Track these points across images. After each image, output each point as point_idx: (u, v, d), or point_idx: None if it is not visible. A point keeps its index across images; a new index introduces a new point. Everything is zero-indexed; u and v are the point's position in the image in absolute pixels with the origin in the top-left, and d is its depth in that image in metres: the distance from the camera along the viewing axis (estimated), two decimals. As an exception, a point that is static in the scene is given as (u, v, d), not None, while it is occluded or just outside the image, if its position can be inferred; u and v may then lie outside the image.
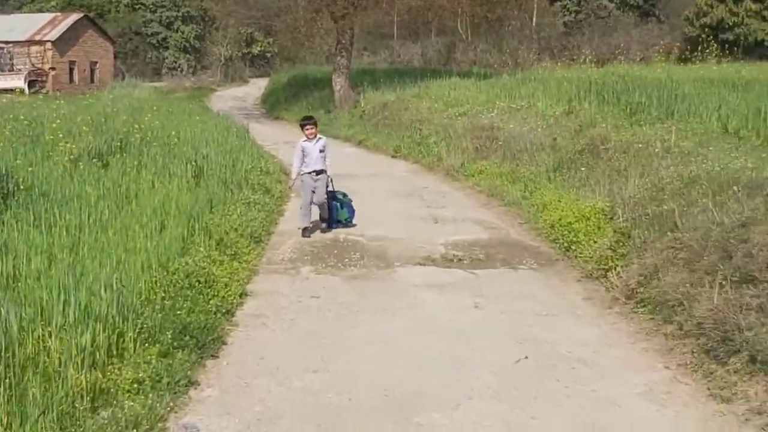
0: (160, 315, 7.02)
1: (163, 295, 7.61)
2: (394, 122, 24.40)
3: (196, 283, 8.10)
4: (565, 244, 10.81)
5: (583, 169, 14.52)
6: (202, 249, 9.42)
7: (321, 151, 11.98)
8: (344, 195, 12.62)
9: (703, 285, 7.39)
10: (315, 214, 12.42)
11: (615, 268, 9.06)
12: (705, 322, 6.79)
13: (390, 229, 12.31)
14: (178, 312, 7.20)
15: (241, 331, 7.57)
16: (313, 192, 11.97)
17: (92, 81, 55.68)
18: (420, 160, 19.95)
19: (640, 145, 14.26)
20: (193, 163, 14.95)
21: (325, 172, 12.09)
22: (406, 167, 19.71)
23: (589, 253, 10.00)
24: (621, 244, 9.39)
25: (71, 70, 54.39)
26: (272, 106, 39.99)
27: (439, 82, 27.87)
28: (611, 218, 10.78)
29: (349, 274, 9.78)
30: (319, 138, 12.11)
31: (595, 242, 10.21)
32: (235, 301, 8.26)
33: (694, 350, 6.77)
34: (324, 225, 12.41)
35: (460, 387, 6.30)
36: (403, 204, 14.75)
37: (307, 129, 11.99)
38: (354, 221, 12.52)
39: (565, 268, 10.10)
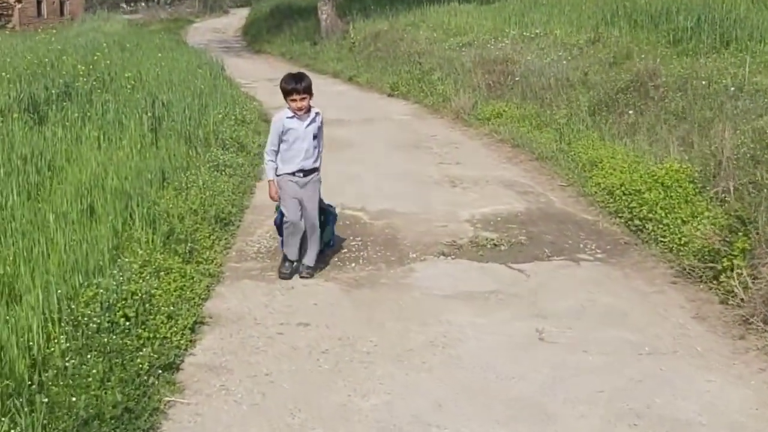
0: (45, 400, 4.26)
1: (63, 348, 4.86)
2: (388, 55, 21.47)
3: (122, 320, 5.33)
4: (637, 222, 8.05)
5: (630, 112, 11.75)
6: (141, 251, 6.63)
7: (315, 137, 7.08)
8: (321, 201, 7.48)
9: None
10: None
11: (732, 270, 6.30)
12: None
13: (397, 199, 9.52)
14: (80, 388, 4.45)
15: (186, 405, 4.80)
16: (301, 205, 7.05)
17: (62, 14, 52.03)
18: (422, 100, 17.05)
19: (704, 82, 11.47)
20: (150, 114, 12.06)
21: (318, 171, 7.22)
22: (407, 109, 16.82)
23: (679, 239, 7.25)
24: (739, 232, 6.60)
25: (39, 3, 50.56)
26: (253, 38, 36.77)
27: (437, 8, 24.82)
28: (702, 187, 8.01)
29: (350, 278, 7.02)
30: (316, 114, 7.08)
31: (685, 223, 7.46)
32: (182, 341, 5.50)
33: None
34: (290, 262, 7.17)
35: None
36: (408, 160, 11.91)
37: (295, 99, 6.88)
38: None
39: (646, 260, 7.35)
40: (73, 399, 4.27)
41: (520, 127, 12.98)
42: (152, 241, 6.95)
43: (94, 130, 11.34)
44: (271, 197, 7.14)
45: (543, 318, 6.04)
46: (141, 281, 5.93)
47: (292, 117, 6.93)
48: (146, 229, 7.10)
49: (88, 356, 4.78)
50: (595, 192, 9.26)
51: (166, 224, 7.35)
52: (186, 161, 10.18)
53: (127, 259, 6.34)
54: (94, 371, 4.60)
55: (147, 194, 7.98)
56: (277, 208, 7.27)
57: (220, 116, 13.12)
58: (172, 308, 5.72)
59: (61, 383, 4.52)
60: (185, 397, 4.87)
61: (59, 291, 5.47)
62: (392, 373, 5.16)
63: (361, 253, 7.67)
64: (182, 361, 5.33)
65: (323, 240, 7.41)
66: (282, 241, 7.20)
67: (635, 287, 6.70)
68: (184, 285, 6.32)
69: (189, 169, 9.81)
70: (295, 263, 7.10)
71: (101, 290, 5.51)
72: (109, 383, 4.58)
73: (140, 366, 4.91)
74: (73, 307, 5.34)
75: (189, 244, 7.23)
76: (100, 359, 4.80)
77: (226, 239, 7.98)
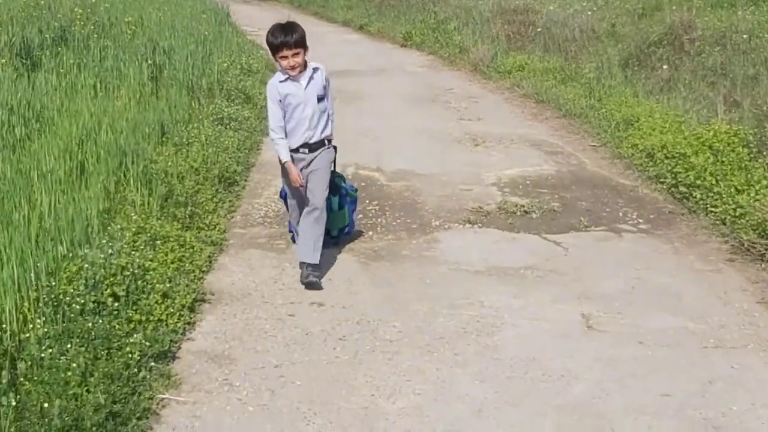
0: (14, 403, 3.57)
1: (40, 333, 4.16)
2: (401, 3, 20.57)
3: (110, 300, 4.62)
4: (682, 189, 7.31)
5: (665, 67, 10.95)
6: (135, 215, 5.92)
7: (320, 99, 5.64)
8: (343, 179, 6.30)
9: None
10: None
11: (801, 248, 5.59)
12: None
13: (415, 159, 8.79)
14: (57, 385, 3.76)
15: (183, 405, 4.09)
16: (306, 190, 5.71)
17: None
18: (437, 51, 16.25)
19: (744, 36, 10.68)
20: (150, 61, 11.26)
21: (329, 142, 5.78)
22: (421, 60, 16.02)
23: (734, 211, 6.52)
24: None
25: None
26: (260, -17, 35.64)
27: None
28: (758, 152, 7.26)
29: (368, 248, 6.30)
30: (314, 70, 5.64)
31: (739, 192, 6.73)
32: (179, 324, 4.79)
33: None
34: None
35: None
36: (425, 115, 11.16)
37: (286, 56, 5.48)
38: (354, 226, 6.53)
39: (696, 233, 6.63)
40: (45, 405, 3.56)
41: (544, 81, 12.19)
42: (148, 204, 6.24)
43: (90, 78, 10.57)
44: (294, 182, 5.61)
45: (588, 300, 5.33)
46: (134, 252, 5.22)
47: (285, 80, 5.53)
48: (141, 191, 6.38)
49: (68, 345, 4.08)
50: (632, 154, 8.52)
51: (164, 185, 6.63)
52: (188, 113, 9.46)
53: (118, 226, 5.63)
54: (75, 365, 3.90)
55: (144, 151, 7.24)
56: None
57: (224, 65, 12.34)
58: (168, 285, 5.00)
59: (36, 378, 3.83)
60: (181, 393, 4.17)
61: (39, 264, 4.77)
62: (420, 368, 4.46)
63: (379, 220, 6.96)
64: (179, 347, 4.64)
65: (336, 225, 6.16)
66: (291, 227, 6.18)
67: (687, 264, 5.99)
68: (183, 256, 5.61)
69: (191, 122, 9.09)
70: (315, 267, 5.63)
71: (87, 264, 4.80)
72: (92, 379, 3.88)
73: (129, 356, 4.21)
74: (54, 283, 4.63)
75: (189, 208, 6.52)
76: (83, 348, 4.10)
77: (230, 201, 7.26)
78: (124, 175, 6.65)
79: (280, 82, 5.54)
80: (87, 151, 7.07)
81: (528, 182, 8.02)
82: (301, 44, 5.45)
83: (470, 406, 4.05)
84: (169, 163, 7.15)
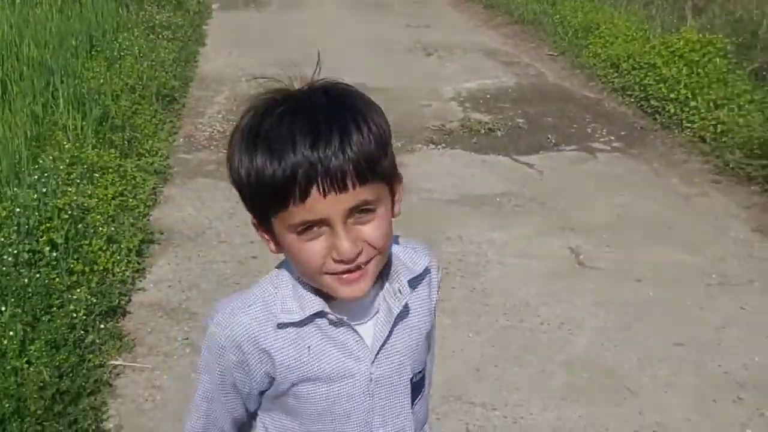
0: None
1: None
2: None
3: (47, 249, 4.02)
4: (653, 103, 6.92)
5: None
6: (67, 143, 5.28)
7: (418, 380, 1.43)
8: None
9: None
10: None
11: (795, 169, 5.24)
12: None
13: (367, 72, 8.12)
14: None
15: (140, 372, 3.55)
16: None
17: None
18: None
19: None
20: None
21: None
22: (356, -41, 15.17)
23: (715, 128, 6.15)
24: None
25: None
26: None
27: None
28: (736, 63, 6.86)
29: (327, 174, 5.75)
30: (416, 279, 1.36)
31: (718, 107, 6.33)
32: (127, 273, 4.22)
33: None
34: None
35: None
36: (371, 21, 10.53)
37: (318, 220, 1.14)
38: None
39: (673, 151, 6.26)
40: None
41: (492, -16, 11.58)
42: (81, 129, 5.58)
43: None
44: None
45: (573, 232, 4.92)
46: (71, 187, 4.62)
47: (301, 322, 1.29)
48: (73, 114, 5.71)
49: (3, 307, 3.50)
50: (594, 64, 8.08)
51: (98, 106, 5.95)
52: (116, 21, 8.67)
53: (50, 157, 5.00)
54: (11, 332, 3.34)
55: (73, 67, 6.53)
56: None
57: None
58: (112, 227, 4.42)
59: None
60: (137, 358, 3.64)
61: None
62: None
63: (336, 141, 6.39)
64: (129, 300, 4.08)
65: None
66: None
67: (672, 188, 5.61)
68: (125, 189, 5.03)
69: (119, 31, 8.34)
70: None
71: (18, 207, 4.18)
72: (33, 347, 3.34)
73: (74, 315, 3.66)
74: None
75: (127, 131, 5.87)
76: (19, 309, 3.54)
77: (171, 122, 6.63)
78: (53, 96, 5.96)
79: (279, 326, 1.30)
80: (9, 69, 6.33)
81: (488, 96, 7.54)
82: (381, 175, 1.21)
83: (467, 365, 3.61)
84: (102, 81, 6.46)
